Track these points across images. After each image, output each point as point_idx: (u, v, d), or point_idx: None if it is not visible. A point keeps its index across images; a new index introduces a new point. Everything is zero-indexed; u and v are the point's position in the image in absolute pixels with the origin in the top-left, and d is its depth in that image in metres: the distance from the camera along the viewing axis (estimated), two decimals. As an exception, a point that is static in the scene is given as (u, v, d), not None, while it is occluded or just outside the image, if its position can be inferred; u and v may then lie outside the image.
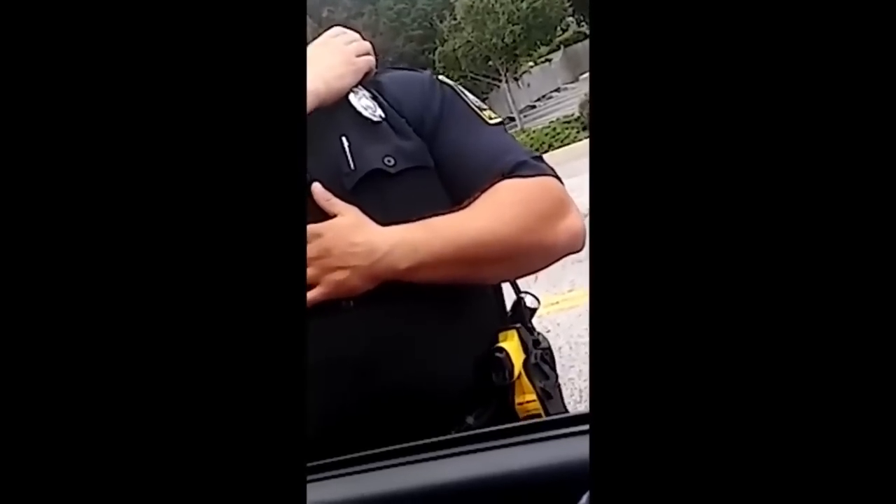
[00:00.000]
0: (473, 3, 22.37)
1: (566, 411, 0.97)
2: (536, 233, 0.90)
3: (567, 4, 24.60)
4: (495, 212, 0.89)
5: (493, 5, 22.13)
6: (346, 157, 0.89)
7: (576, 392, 3.25)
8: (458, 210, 0.90)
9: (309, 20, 1.05)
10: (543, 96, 27.12)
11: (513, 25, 22.13)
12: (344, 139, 0.90)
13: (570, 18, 27.87)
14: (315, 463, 0.57)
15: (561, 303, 4.78)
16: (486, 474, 0.53)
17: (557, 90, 26.84)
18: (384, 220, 0.87)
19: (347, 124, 0.92)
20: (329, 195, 0.87)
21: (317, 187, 0.87)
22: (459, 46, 23.26)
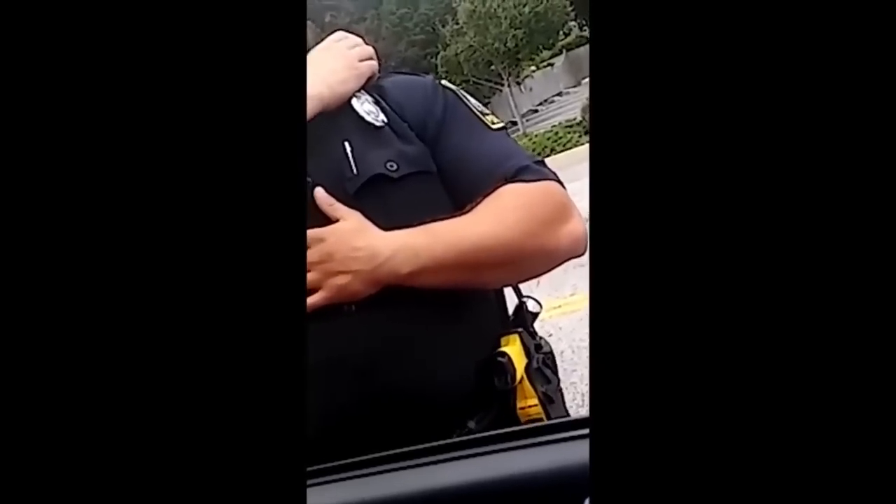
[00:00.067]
0: (476, 7, 22.39)
1: (568, 416, 0.97)
2: (539, 237, 0.90)
3: (569, 8, 24.61)
4: (498, 216, 0.89)
5: (495, 10, 22.15)
6: (349, 161, 0.89)
7: (578, 396, 3.25)
8: (460, 215, 0.90)
9: (311, 25, 1.06)
10: (546, 100, 27.11)
11: (515, 30, 22.14)
12: (347, 144, 0.90)
13: (573, 23, 27.87)
14: (316, 467, 0.57)
15: (563, 307, 4.78)
16: (486, 478, 0.53)
17: (560, 94, 26.83)
18: (386, 225, 0.87)
19: (350, 129, 0.92)
20: (332, 200, 0.87)
21: (319, 192, 0.87)
22: (462, 51, 23.28)
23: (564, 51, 27.37)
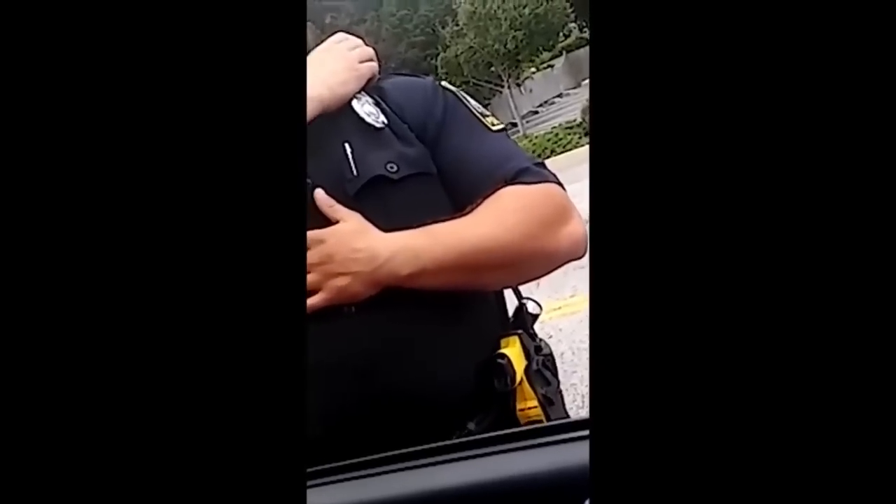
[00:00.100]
0: (476, 8, 22.40)
1: (568, 417, 0.97)
2: (539, 239, 0.90)
3: (569, 10, 24.61)
4: (498, 218, 0.89)
5: (495, 11, 22.15)
6: (349, 163, 0.89)
7: (578, 398, 3.25)
8: (460, 216, 0.90)
9: (312, 26, 1.06)
10: (546, 102, 27.12)
11: (515, 31, 22.15)
12: (347, 145, 0.90)
13: (573, 24, 27.87)
14: (316, 468, 0.57)
15: (563, 308, 4.78)
16: (486, 480, 0.53)
17: (559, 96, 26.84)
18: (386, 227, 0.87)
19: (350, 130, 0.92)
20: (331, 201, 0.87)
21: (319, 193, 0.87)
22: (462, 52, 23.29)
23: (564, 52, 27.38)
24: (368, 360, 0.85)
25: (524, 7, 22.39)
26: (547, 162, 1.00)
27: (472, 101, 1.01)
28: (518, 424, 0.90)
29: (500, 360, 0.90)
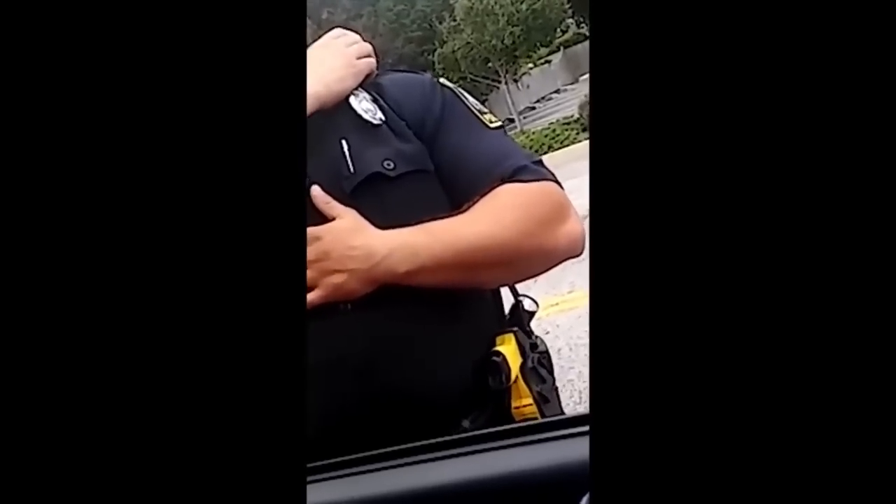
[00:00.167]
0: (473, 4, 22.34)
1: (563, 415, 0.97)
2: (536, 237, 0.90)
3: (567, 6, 24.58)
4: (495, 216, 0.89)
5: (492, 7, 22.10)
6: (346, 160, 0.89)
7: (575, 394, 3.26)
8: (457, 214, 0.90)
9: (308, 22, 1.05)
10: (543, 98, 27.10)
11: (512, 27, 22.10)
12: (344, 142, 0.90)
13: (570, 20, 27.85)
14: (314, 464, 0.57)
15: (560, 304, 4.78)
16: (485, 476, 0.53)
17: (557, 91, 26.82)
18: (383, 224, 0.87)
19: (347, 127, 0.92)
20: (328, 198, 0.87)
21: (316, 190, 0.87)
22: (459, 48, 23.23)
23: (562, 48, 27.36)
24: (364, 357, 0.85)
25: (521, 3, 22.34)
26: (544, 158, 1.00)
27: (470, 98, 1.01)
28: (513, 422, 0.90)
29: (495, 358, 0.90)
